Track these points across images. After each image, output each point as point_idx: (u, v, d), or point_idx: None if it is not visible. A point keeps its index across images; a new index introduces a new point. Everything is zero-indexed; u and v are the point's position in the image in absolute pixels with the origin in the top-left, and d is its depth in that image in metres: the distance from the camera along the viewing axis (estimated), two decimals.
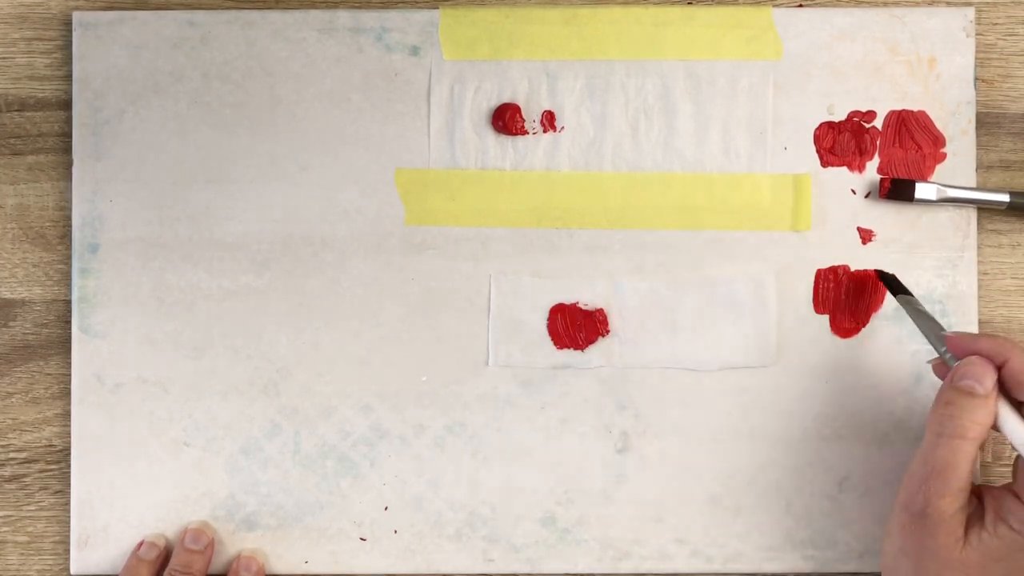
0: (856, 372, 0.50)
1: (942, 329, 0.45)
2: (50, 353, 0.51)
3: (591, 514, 0.50)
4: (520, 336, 0.50)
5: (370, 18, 0.51)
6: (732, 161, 0.50)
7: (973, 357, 0.43)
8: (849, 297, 0.50)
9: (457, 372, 0.50)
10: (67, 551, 0.51)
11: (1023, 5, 0.51)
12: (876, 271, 0.49)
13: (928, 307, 0.50)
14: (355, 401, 0.50)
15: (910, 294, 0.48)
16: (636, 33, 0.50)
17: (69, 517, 0.50)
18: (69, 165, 0.51)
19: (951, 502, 0.41)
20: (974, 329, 0.50)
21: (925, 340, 0.50)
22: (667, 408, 0.50)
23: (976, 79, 0.51)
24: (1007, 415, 0.42)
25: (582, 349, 0.50)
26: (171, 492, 0.50)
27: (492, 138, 0.51)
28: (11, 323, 0.51)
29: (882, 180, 0.50)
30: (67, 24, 0.51)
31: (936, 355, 0.45)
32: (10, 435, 0.51)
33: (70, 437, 0.50)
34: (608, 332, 0.50)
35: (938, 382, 0.50)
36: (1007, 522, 0.41)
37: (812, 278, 0.50)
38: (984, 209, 0.50)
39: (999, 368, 0.42)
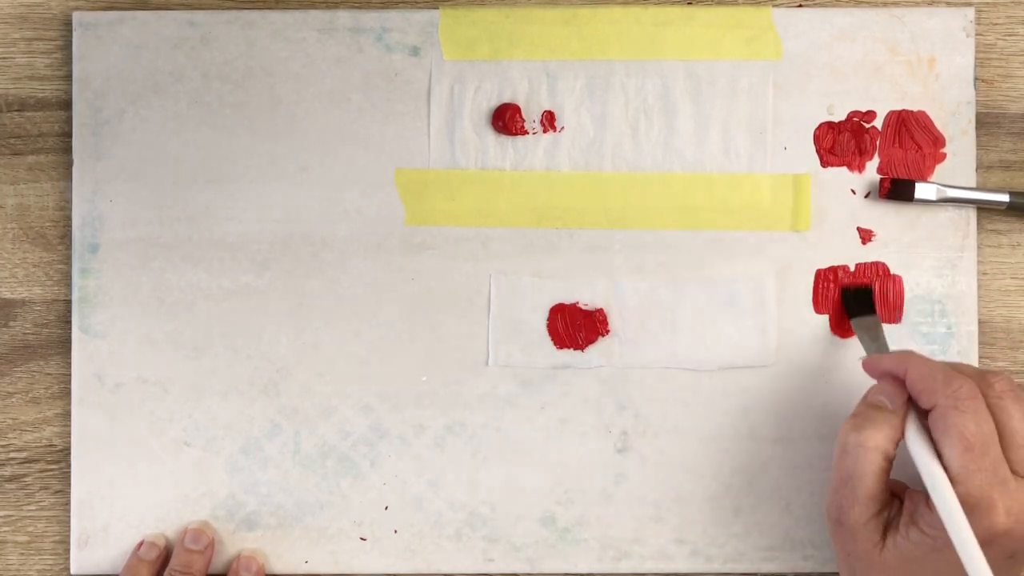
0: (856, 372, 0.50)
1: (884, 345, 0.47)
2: (50, 353, 0.51)
3: (591, 514, 0.50)
4: (520, 336, 0.50)
5: (370, 18, 0.51)
6: (732, 161, 0.50)
7: (888, 378, 0.43)
8: None
9: (457, 372, 0.50)
10: (67, 551, 0.51)
11: (1023, 5, 0.51)
12: (843, 290, 0.50)
13: (928, 307, 0.50)
14: (355, 401, 0.50)
15: (874, 314, 0.49)
16: (636, 33, 0.50)
17: (69, 517, 0.50)
18: (69, 165, 0.51)
19: (862, 511, 0.41)
20: (973, 329, 0.50)
21: (926, 340, 0.50)
22: (667, 408, 0.50)
23: (976, 79, 0.51)
24: (913, 437, 0.42)
25: (582, 349, 0.50)
26: (171, 492, 0.50)
27: (492, 138, 0.51)
28: (11, 323, 0.51)
29: (882, 180, 0.50)
30: (67, 24, 0.52)
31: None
32: (10, 435, 0.51)
33: (70, 437, 0.50)
34: (608, 332, 0.50)
35: None
36: (918, 525, 0.41)
37: (812, 278, 0.50)
38: (984, 209, 0.50)
39: (904, 378, 0.42)
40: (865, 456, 0.41)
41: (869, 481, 0.41)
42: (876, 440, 0.41)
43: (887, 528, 0.42)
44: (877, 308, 0.49)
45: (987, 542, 0.39)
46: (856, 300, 0.49)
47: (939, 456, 0.40)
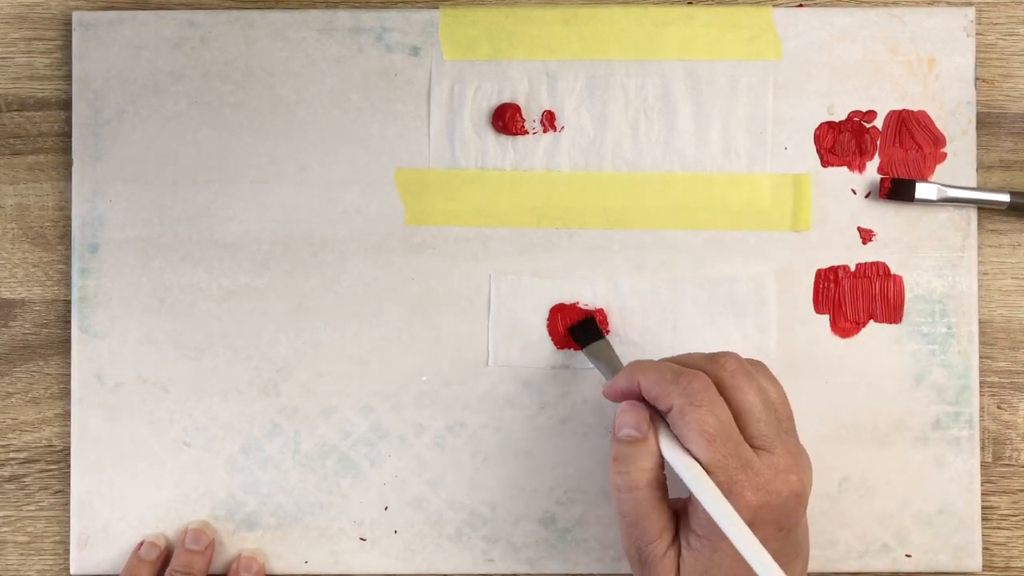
0: (856, 372, 0.50)
1: (617, 366, 0.47)
2: (50, 353, 0.51)
3: (591, 514, 0.50)
4: (520, 336, 0.50)
5: (370, 18, 0.51)
6: (732, 161, 0.50)
7: (622, 404, 0.43)
8: (849, 297, 0.50)
9: (457, 372, 0.50)
10: (67, 551, 0.51)
11: (1023, 5, 0.51)
12: (569, 328, 0.50)
13: (929, 307, 0.50)
14: (355, 401, 0.50)
15: (602, 337, 0.49)
16: (636, 33, 0.50)
17: (69, 517, 0.50)
18: (69, 165, 0.51)
19: (659, 544, 0.42)
20: (974, 329, 0.50)
21: (926, 340, 0.50)
22: None
23: (976, 79, 0.51)
24: (666, 444, 0.42)
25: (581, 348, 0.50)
26: (171, 492, 0.50)
27: (492, 138, 0.51)
28: (11, 323, 0.51)
29: (882, 180, 0.50)
30: (67, 24, 0.51)
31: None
32: (10, 435, 0.51)
33: (70, 437, 0.50)
34: (608, 332, 0.50)
35: (938, 380, 0.50)
36: (692, 529, 0.41)
37: (812, 278, 0.50)
38: (984, 209, 0.50)
39: (641, 391, 0.42)
40: (641, 496, 0.42)
41: (655, 516, 0.42)
42: (643, 476, 0.42)
43: (679, 550, 0.42)
44: (606, 332, 0.50)
45: (751, 524, 0.40)
46: (583, 332, 0.49)
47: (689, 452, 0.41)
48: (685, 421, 0.41)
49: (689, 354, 0.44)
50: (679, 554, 0.42)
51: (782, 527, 0.41)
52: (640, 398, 0.43)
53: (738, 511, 0.40)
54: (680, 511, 0.43)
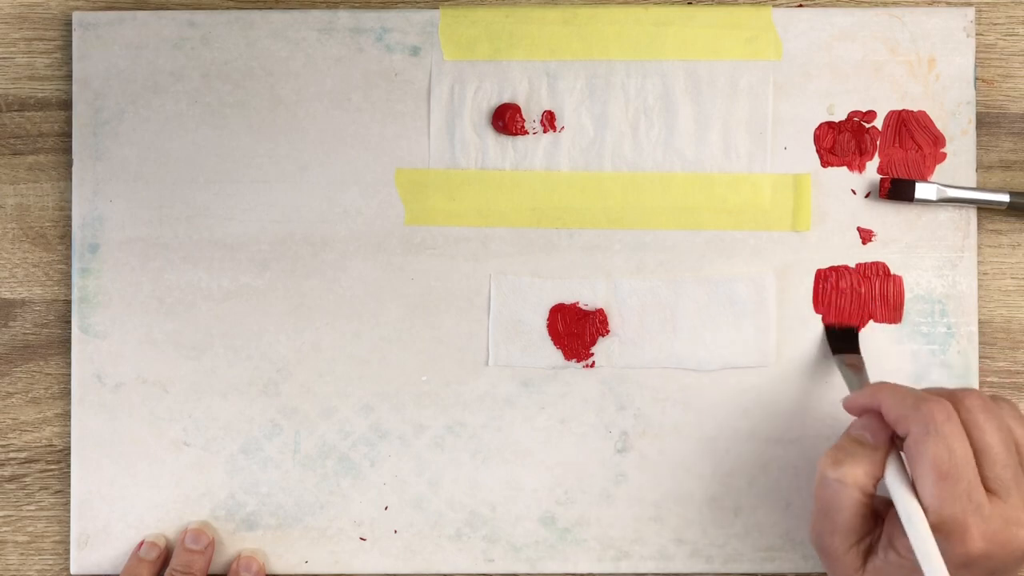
0: None
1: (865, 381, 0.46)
2: (50, 353, 0.51)
3: (591, 514, 0.50)
4: (520, 336, 0.50)
5: (370, 18, 0.51)
6: (732, 161, 0.50)
7: (872, 413, 0.43)
8: (849, 297, 0.50)
9: (457, 372, 0.50)
10: (67, 551, 0.51)
11: (1023, 5, 0.51)
12: (828, 328, 0.50)
13: (928, 307, 0.50)
14: (355, 401, 0.50)
15: (858, 352, 0.49)
16: (636, 33, 0.50)
17: (69, 517, 0.50)
18: (69, 165, 0.51)
19: (841, 541, 0.41)
20: (974, 329, 0.50)
21: (926, 340, 0.50)
22: (667, 408, 0.50)
23: (976, 79, 0.51)
24: (892, 473, 0.41)
25: (581, 360, 0.50)
26: (171, 492, 0.50)
27: (492, 138, 0.51)
28: (11, 323, 0.51)
29: (882, 180, 0.50)
30: (67, 24, 0.51)
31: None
32: (10, 435, 0.51)
33: (70, 437, 0.50)
34: (608, 332, 0.50)
35: (938, 380, 0.50)
36: (895, 549, 0.41)
37: (812, 278, 0.50)
38: (984, 209, 0.50)
39: (879, 409, 0.42)
40: (843, 491, 0.41)
41: (847, 515, 0.41)
42: (855, 476, 0.41)
43: (868, 553, 0.42)
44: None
45: (965, 566, 0.39)
46: (840, 339, 0.49)
47: (914, 481, 0.40)
48: (920, 451, 0.39)
49: (934, 388, 0.43)
50: (866, 557, 0.41)
51: (991, 571, 0.40)
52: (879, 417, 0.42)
53: (956, 554, 0.39)
54: (889, 522, 0.42)
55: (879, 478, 0.41)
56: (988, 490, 0.40)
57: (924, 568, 0.38)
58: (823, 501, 0.42)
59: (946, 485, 0.39)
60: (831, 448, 0.42)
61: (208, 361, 0.50)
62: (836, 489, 0.41)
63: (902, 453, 0.41)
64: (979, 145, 0.51)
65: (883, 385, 0.43)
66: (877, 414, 0.42)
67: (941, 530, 0.39)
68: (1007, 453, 0.40)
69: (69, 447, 0.50)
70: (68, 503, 0.51)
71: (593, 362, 0.50)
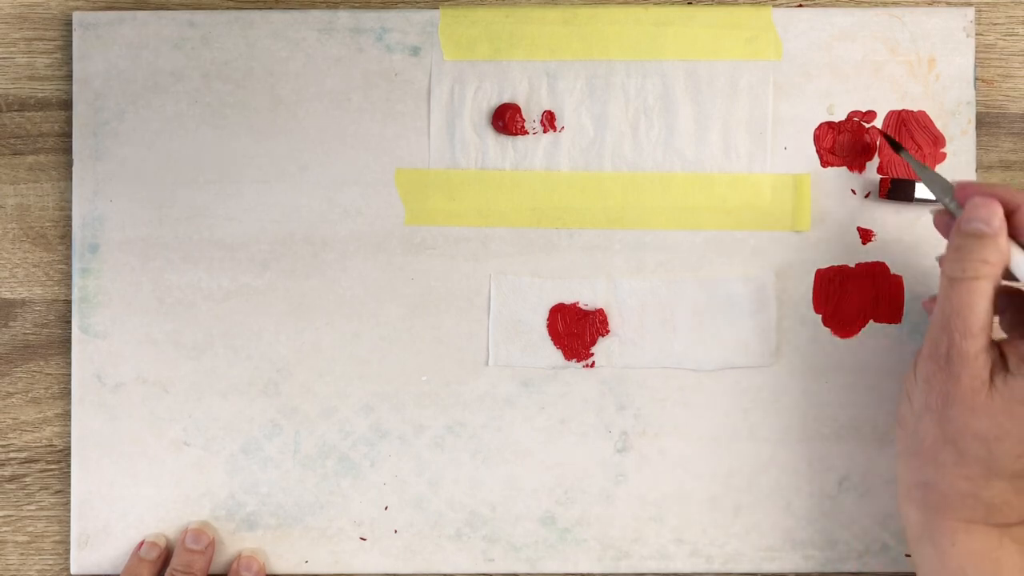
0: (856, 372, 0.50)
1: (948, 183, 0.44)
2: (50, 353, 0.51)
3: (591, 514, 0.50)
4: (520, 336, 0.50)
5: (370, 18, 0.51)
6: (732, 161, 0.50)
7: (977, 199, 0.42)
8: (849, 297, 0.50)
9: (457, 372, 0.50)
10: (67, 551, 0.51)
11: (1023, 5, 0.51)
12: (884, 134, 0.49)
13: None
14: (355, 401, 0.50)
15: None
16: (636, 33, 0.50)
17: (69, 517, 0.50)
18: (69, 165, 0.51)
19: (973, 342, 0.40)
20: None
21: (923, 340, 0.50)
22: (667, 408, 0.50)
23: (976, 79, 0.51)
24: (1018, 255, 0.41)
25: (581, 360, 0.50)
26: (171, 492, 0.50)
27: (492, 138, 0.51)
28: (11, 323, 0.51)
29: (882, 180, 0.50)
30: (67, 24, 0.52)
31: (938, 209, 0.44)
32: (10, 435, 0.51)
33: (70, 437, 0.50)
34: (608, 332, 0.50)
35: None
36: None
37: (812, 278, 0.50)
38: None
39: (1011, 216, 0.41)
40: (974, 286, 0.40)
41: (981, 309, 0.40)
42: (981, 268, 0.40)
43: (993, 368, 0.41)
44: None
45: None
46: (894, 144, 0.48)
47: None
48: None
49: None
50: (993, 373, 0.41)
51: None
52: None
53: None
54: (1015, 344, 0.41)
55: (1005, 265, 0.41)
56: None
57: None
58: (954, 304, 0.41)
59: None
60: (949, 251, 0.41)
61: (208, 361, 0.50)
62: (968, 287, 0.40)
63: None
64: (979, 145, 0.51)
65: (1020, 190, 0.42)
66: (987, 198, 0.42)
67: None
68: None
69: (69, 447, 0.50)
70: (68, 503, 0.51)
71: (593, 362, 0.50)
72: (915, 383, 0.43)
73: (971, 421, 0.41)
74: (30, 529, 0.51)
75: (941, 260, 0.43)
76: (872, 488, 0.50)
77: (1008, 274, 0.42)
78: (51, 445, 0.51)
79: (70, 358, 0.50)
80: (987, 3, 0.51)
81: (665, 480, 0.50)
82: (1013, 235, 0.42)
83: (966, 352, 0.41)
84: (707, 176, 0.50)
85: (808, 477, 0.50)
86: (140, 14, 0.51)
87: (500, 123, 0.50)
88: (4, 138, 0.51)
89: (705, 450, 0.50)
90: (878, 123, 0.50)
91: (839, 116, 0.50)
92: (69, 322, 0.51)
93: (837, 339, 0.50)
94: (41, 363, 0.51)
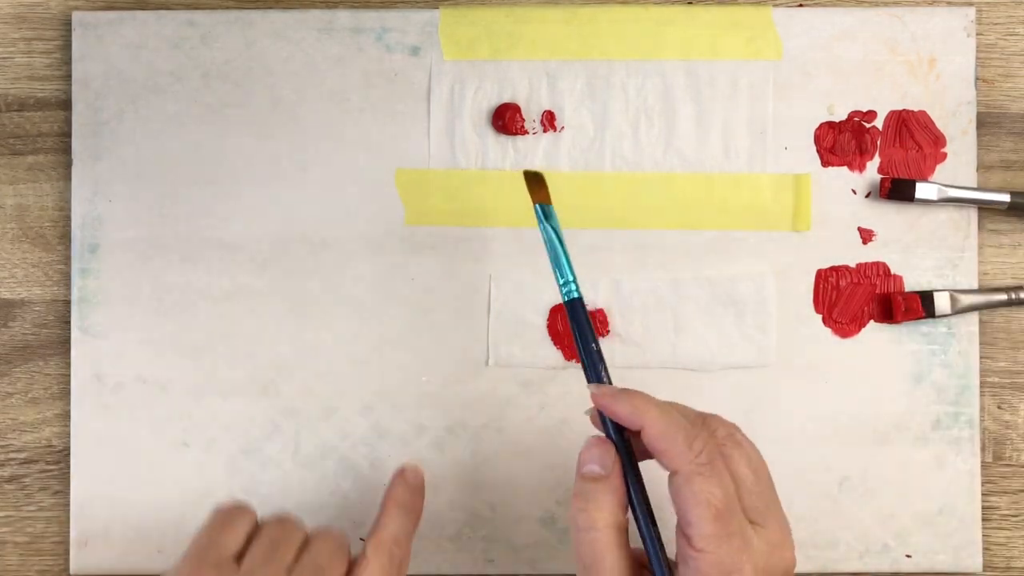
0: (856, 372, 0.50)
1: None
2: (50, 353, 0.51)
3: None
4: (520, 336, 0.50)
5: (370, 18, 0.51)
6: (732, 161, 0.50)
7: (591, 439, 0.41)
8: (849, 297, 0.50)
9: (457, 372, 0.50)
10: (67, 551, 0.51)
11: (1023, 5, 0.51)
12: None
13: None
14: (355, 401, 0.50)
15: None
16: (636, 33, 0.50)
17: (69, 517, 0.50)
18: (69, 165, 0.51)
19: None
20: (974, 329, 0.50)
21: (926, 340, 0.50)
22: None
23: (977, 79, 0.51)
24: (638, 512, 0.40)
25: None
26: (171, 492, 0.50)
27: (492, 138, 0.50)
28: (11, 323, 0.51)
29: (882, 180, 0.50)
30: (67, 24, 0.51)
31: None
32: (10, 435, 0.51)
33: (70, 437, 0.50)
34: (609, 332, 0.50)
35: (938, 380, 0.50)
36: None
37: (812, 278, 0.50)
38: (985, 209, 0.50)
39: (640, 431, 0.39)
40: (597, 537, 0.39)
41: (609, 562, 0.39)
42: (603, 518, 0.39)
43: None
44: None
45: None
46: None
47: (683, 521, 0.39)
48: (692, 491, 0.38)
49: (682, 406, 0.41)
50: None
51: None
52: (614, 430, 0.41)
53: None
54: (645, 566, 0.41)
55: (626, 506, 0.40)
56: (749, 521, 0.39)
57: None
58: (584, 556, 0.39)
59: (721, 524, 0.38)
60: (573, 496, 0.40)
61: (208, 361, 0.50)
62: (591, 538, 0.39)
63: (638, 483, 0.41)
64: (979, 145, 0.51)
65: (643, 401, 0.40)
66: (601, 437, 0.41)
67: (717, 571, 0.38)
68: (756, 480, 0.40)
69: (69, 447, 0.50)
70: (68, 503, 0.51)
71: None
72: None
73: None
74: (30, 529, 0.51)
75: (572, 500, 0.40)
76: (872, 488, 0.50)
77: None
78: (50, 445, 0.51)
79: (69, 358, 0.50)
80: (988, 3, 0.51)
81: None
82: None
83: None
84: (707, 176, 0.50)
85: (808, 477, 0.50)
86: (140, 14, 0.51)
87: (500, 123, 0.50)
88: (3, 138, 0.51)
89: None
90: (878, 123, 0.50)
91: (839, 116, 0.50)
92: (68, 322, 0.51)
93: (837, 339, 0.50)
94: (40, 363, 0.51)
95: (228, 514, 0.42)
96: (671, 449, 0.39)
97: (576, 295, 0.43)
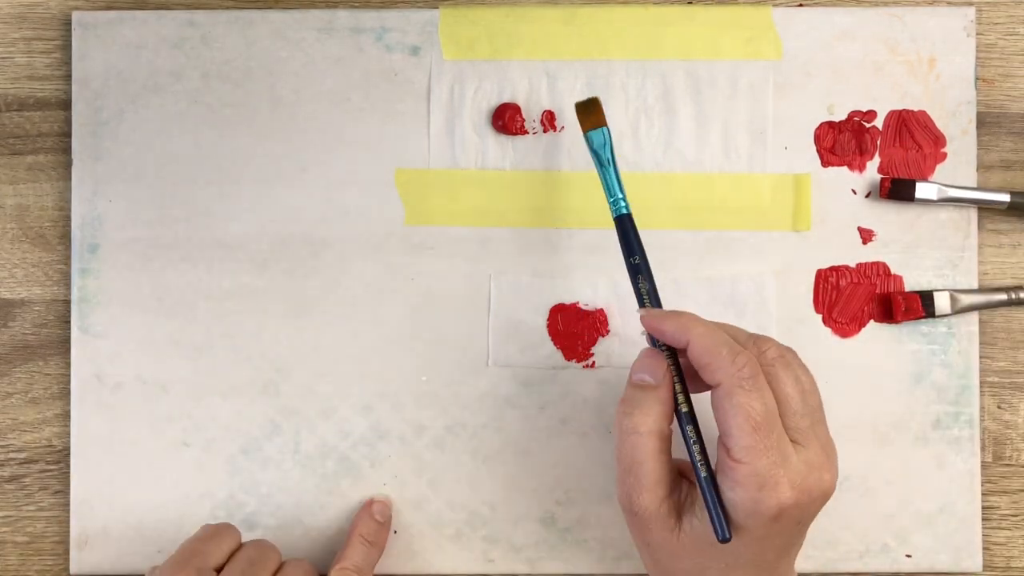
0: (856, 372, 0.50)
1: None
2: (50, 353, 0.51)
3: (591, 514, 0.50)
4: (520, 336, 0.50)
5: (370, 18, 0.51)
6: (732, 161, 0.50)
7: (643, 350, 0.43)
8: (849, 297, 0.50)
9: (457, 372, 0.50)
10: (67, 551, 0.51)
11: (1023, 5, 0.51)
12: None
13: None
14: (355, 401, 0.50)
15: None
16: (636, 33, 0.50)
17: (69, 517, 0.50)
18: (69, 165, 0.51)
19: (650, 497, 0.41)
20: (974, 329, 0.50)
21: (926, 340, 0.50)
22: None
23: (977, 79, 0.51)
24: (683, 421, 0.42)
25: (581, 360, 0.50)
26: (171, 492, 0.50)
27: (492, 138, 0.50)
28: (11, 323, 0.51)
29: (882, 180, 0.50)
30: (67, 24, 0.51)
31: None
32: (10, 435, 0.51)
33: (70, 437, 0.50)
34: (608, 332, 0.50)
35: (938, 380, 0.50)
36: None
37: (812, 278, 0.50)
38: (984, 209, 0.50)
39: (685, 347, 0.41)
40: (640, 441, 0.41)
41: (650, 466, 0.41)
42: (647, 424, 0.41)
43: (680, 511, 0.42)
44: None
45: (776, 517, 0.40)
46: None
47: (723, 433, 0.40)
48: (733, 403, 0.40)
49: (733, 327, 0.43)
50: (680, 515, 0.41)
51: (801, 522, 0.41)
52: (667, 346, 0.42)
53: (769, 506, 0.39)
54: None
55: (671, 417, 0.42)
56: (790, 440, 0.40)
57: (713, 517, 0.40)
58: (625, 458, 0.41)
59: (760, 437, 0.39)
60: (620, 401, 0.42)
61: (208, 361, 0.50)
62: (634, 442, 0.41)
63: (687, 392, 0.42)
64: (979, 145, 0.51)
65: (691, 320, 0.42)
66: (653, 351, 0.42)
67: (754, 483, 0.39)
68: (802, 402, 0.41)
69: (69, 447, 0.50)
70: (68, 503, 0.51)
71: (593, 362, 0.50)
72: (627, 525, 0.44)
73: (674, 562, 0.42)
74: (30, 529, 0.51)
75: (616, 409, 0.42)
76: (872, 488, 0.50)
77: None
78: (50, 445, 0.51)
79: (69, 358, 0.50)
80: (988, 3, 0.51)
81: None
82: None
83: (646, 507, 0.41)
84: (707, 176, 0.50)
85: None
86: (140, 14, 0.51)
87: (500, 123, 0.50)
88: (3, 138, 0.51)
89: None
90: (878, 123, 0.50)
91: (839, 116, 0.50)
92: (68, 322, 0.51)
93: (837, 339, 0.50)
94: (40, 363, 0.51)
95: (216, 530, 0.46)
96: (713, 363, 0.40)
97: (625, 211, 0.45)
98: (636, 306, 0.48)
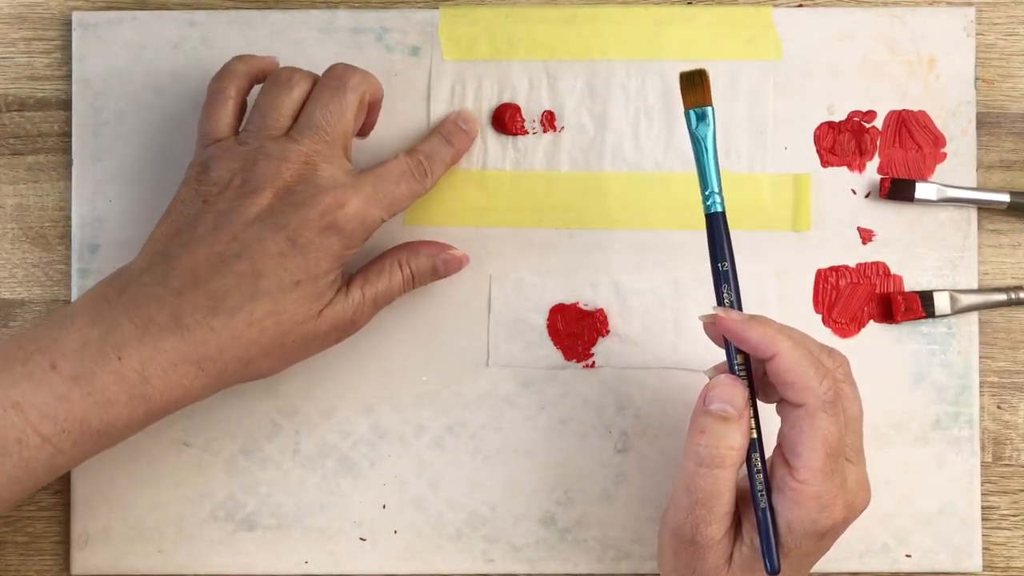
0: (856, 372, 0.50)
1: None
2: None
3: (591, 514, 0.50)
4: (520, 336, 0.50)
5: (370, 18, 0.51)
6: (732, 161, 0.50)
7: (722, 377, 0.41)
8: (849, 297, 0.50)
9: (457, 372, 0.50)
10: (67, 551, 0.51)
11: (1023, 5, 0.51)
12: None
13: None
14: (355, 401, 0.50)
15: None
16: (636, 33, 0.50)
17: (69, 517, 0.50)
18: (69, 165, 0.51)
19: (718, 528, 0.40)
20: (974, 329, 0.50)
21: (926, 340, 0.50)
22: (667, 408, 0.50)
23: (976, 79, 0.51)
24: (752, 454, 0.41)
25: (581, 360, 0.50)
26: (171, 492, 0.50)
27: (492, 138, 0.50)
28: (11, 323, 0.51)
29: (882, 180, 0.50)
30: (67, 24, 0.51)
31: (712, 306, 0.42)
32: None
33: None
34: (608, 332, 0.50)
35: (938, 380, 0.50)
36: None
37: (812, 278, 0.50)
38: (984, 209, 0.50)
39: (769, 360, 0.40)
40: (722, 475, 0.40)
41: (726, 499, 0.40)
42: (731, 458, 0.40)
43: (732, 539, 0.41)
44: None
45: (824, 535, 0.40)
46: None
47: (789, 451, 0.40)
48: (813, 426, 0.39)
49: (804, 334, 0.41)
50: (733, 543, 0.41)
51: (837, 535, 0.41)
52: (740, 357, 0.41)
53: (823, 526, 0.39)
54: (749, 508, 0.41)
55: (747, 448, 0.41)
56: (845, 458, 0.40)
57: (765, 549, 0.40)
58: (700, 492, 0.40)
59: (830, 461, 0.39)
60: (694, 433, 0.40)
61: None
62: (716, 476, 0.40)
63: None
64: (979, 145, 0.51)
65: (777, 330, 0.40)
66: (734, 380, 0.41)
67: (815, 505, 0.39)
68: (858, 420, 0.41)
69: None
70: (68, 503, 0.51)
71: (593, 362, 0.50)
72: (666, 549, 0.42)
73: None
74: (30, 529, 0.51)
75: (687, 443, 0.41)
76: (872, 488, 0.50)
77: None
78: None
79: None
80: (987, 3, 0.51)
81: (665, 480, 0.50)
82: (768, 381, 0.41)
83: (711, 537, 0.40)
84: None
85: None
86: (140, 14, 0.51)
87: (500, 123, 0.50)
88: (3, 138, 0.51)
89: None
90: (878, 123, 0.50)
91: (839, 116, 0.50)
92: None
93: (837, 339, 0.50)
94: None
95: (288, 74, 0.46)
96: (800, 383, 0.39)
97: (719, 208, 0.42)
98: (638, 305, 0.48)
